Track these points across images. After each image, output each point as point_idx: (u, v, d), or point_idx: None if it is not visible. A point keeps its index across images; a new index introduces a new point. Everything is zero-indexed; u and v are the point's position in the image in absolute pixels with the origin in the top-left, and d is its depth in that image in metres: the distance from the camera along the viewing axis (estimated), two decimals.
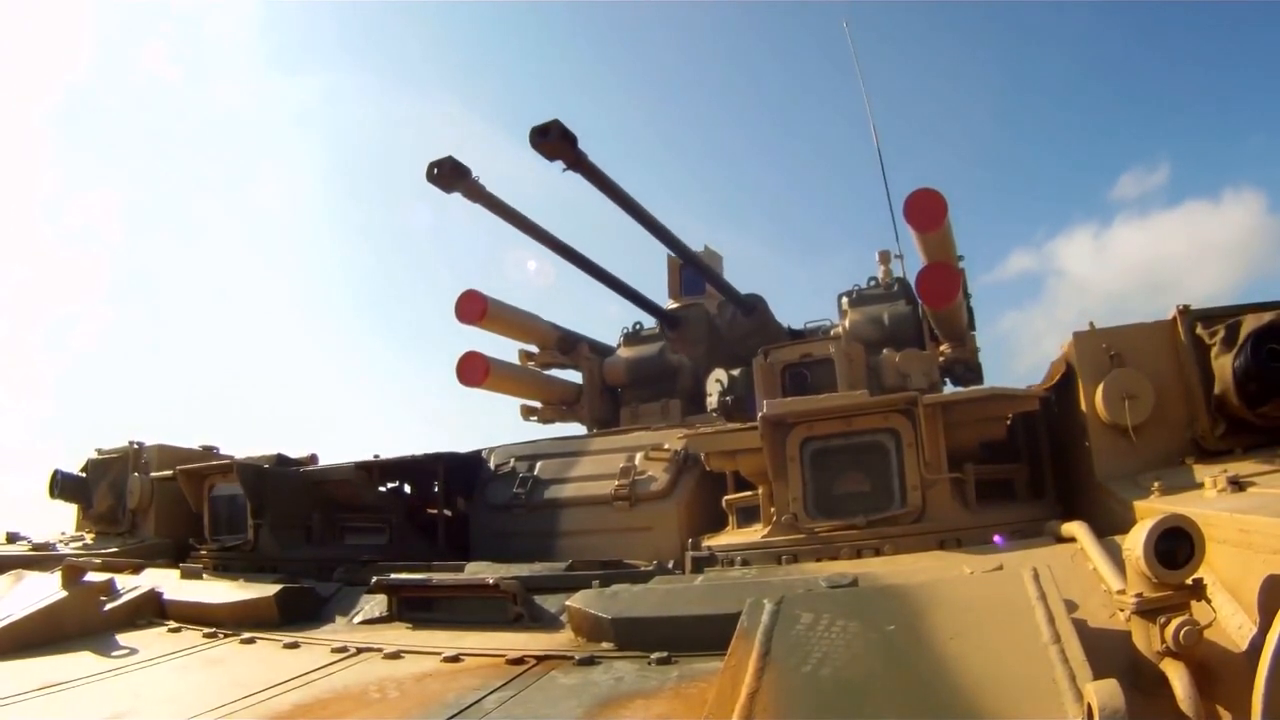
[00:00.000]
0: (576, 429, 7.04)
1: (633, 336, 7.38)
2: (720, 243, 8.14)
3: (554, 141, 4.30)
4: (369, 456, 4.83)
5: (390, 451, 4.88)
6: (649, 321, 7.29)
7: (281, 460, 4.95)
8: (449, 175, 4.74)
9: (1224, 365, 3.06)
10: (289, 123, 25.25)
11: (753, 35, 26.22)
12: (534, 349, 7.05)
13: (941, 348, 6.06)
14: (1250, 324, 3.02)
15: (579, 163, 4.46)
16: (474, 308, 6.15)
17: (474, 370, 6.19)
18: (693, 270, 6.87)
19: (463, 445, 5.15)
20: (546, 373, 7.21)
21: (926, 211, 4.66)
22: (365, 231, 26.37)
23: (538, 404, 7.17)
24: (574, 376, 7.30)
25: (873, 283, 7.03)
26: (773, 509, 3.46)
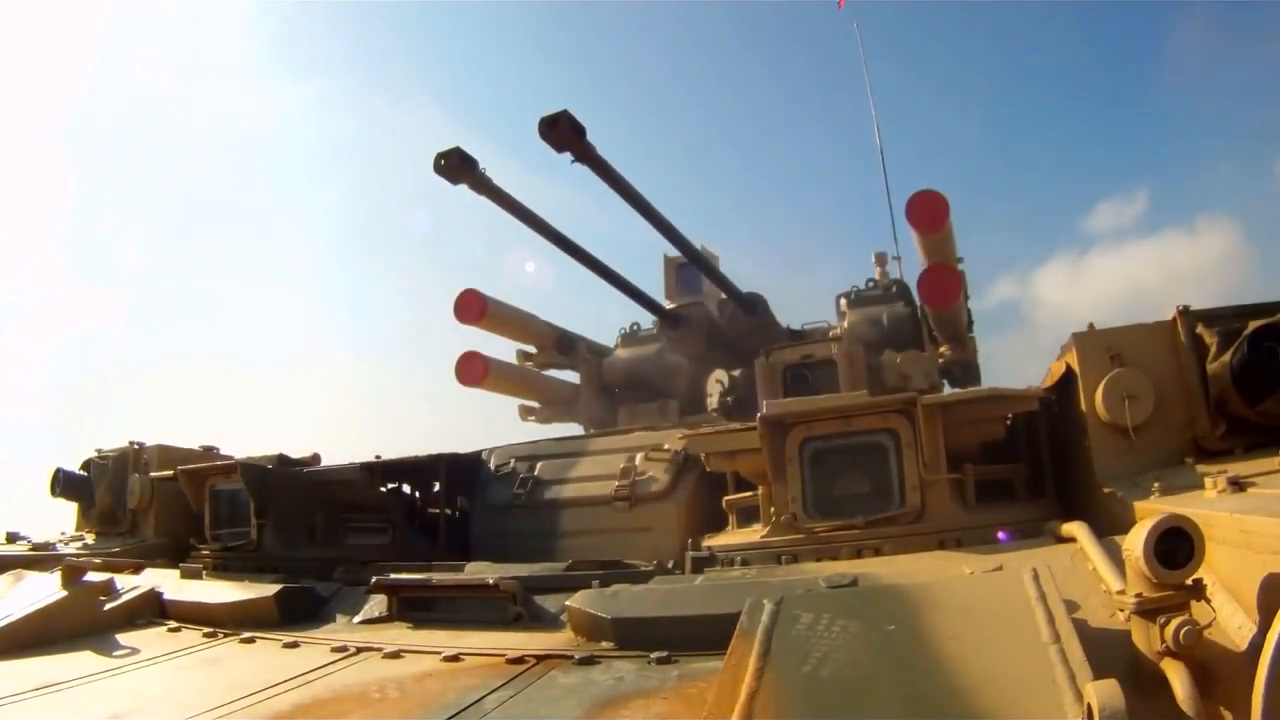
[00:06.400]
0: (574, 429, 7.04)
1: (630, 337, 7.37)
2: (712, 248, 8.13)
3: (563, 132, 4.27)
4: (361, 457, 4.82)
5: (384, 453, 4.86)
6: (646, 322, 7.29)
7: (283, 460, 4.94)
8: (457, 167, 4.67)
9: (1222, 364, 3.06)
10: (283, 127, 25.25)
11: (744, 38, 26.37)
12: (532, 349, 7.04)
13: (941, 349, 6.07)
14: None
15: (587, 155, 4.43)
16: (473, 307, 6.16)
17: (473, 370, 6.20)
18: (692, 268, 6.87)
19: (455, 447, 5.11)
20: (544, 373, 7.21)
21: (928, 213, 4.70)
22: (362, 234, 26.36)
23: (535, 404, 7.17)
24: (571, 377, 7.29)
25: (871, 284, 7.05)
26: (772, 509, 3.46)
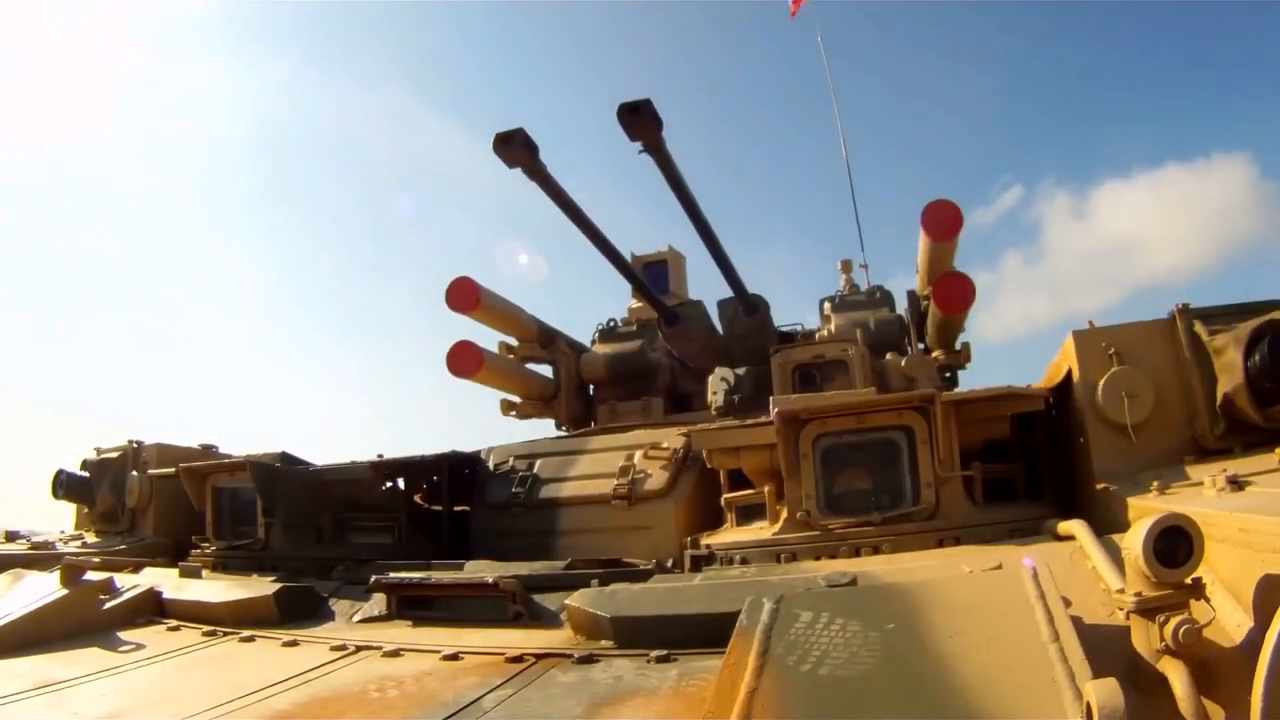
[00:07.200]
0: (550, 425, 6.96)
1: (608, 333, 7.28)
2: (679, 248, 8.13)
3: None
4: (337, 454, 4.80)
5: (367, 450, 4.84)
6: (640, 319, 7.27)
7: (286, 458, 4.94)
8: (519, 149, 4.37)
9: (1234, 363, 3.03)
10: (265, 118, 25.16)
11: (707, 39, 26.42)
12: (513, 341, 6.91)
13: (935, 354, 6.14)
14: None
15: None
16: (468, 295, 6.01)
17: (469, 360, 5.95)
18: (657, 268, 6.88)
19: (423, 446, 5.02)
20: (527, 367, 7.10)
21: (945, 222, 4.90)
22: (340, 231, 26.26)
23: (517, 399, 7.02)
24: (547, 371, 7.16)
25: (855, 289, 7.19)
26: (779, 506, 3.46)
